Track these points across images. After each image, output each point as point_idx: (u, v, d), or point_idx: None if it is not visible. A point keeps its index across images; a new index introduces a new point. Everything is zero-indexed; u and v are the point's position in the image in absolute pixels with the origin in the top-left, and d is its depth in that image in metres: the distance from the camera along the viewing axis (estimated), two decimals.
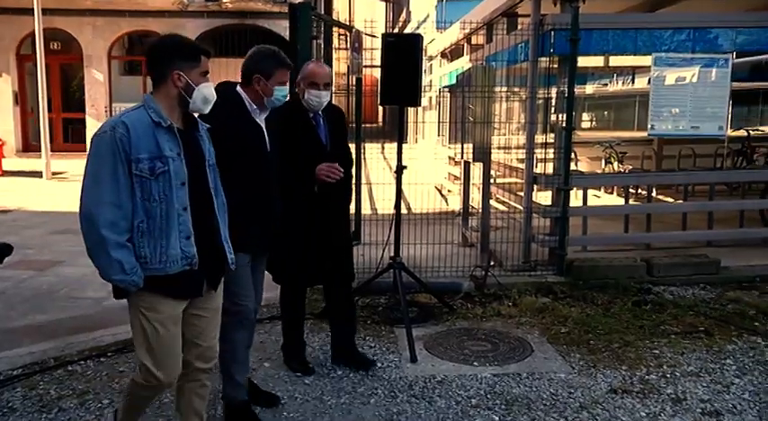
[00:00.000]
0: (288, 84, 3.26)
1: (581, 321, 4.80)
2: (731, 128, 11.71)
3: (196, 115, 2.64)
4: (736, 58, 11.62)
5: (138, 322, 2.57)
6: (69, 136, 18.55)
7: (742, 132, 10.68)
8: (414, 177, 7.10)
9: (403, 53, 4.59)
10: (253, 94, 3.21)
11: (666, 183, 8.65)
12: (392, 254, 4.85)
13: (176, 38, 2.60)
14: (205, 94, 2.54)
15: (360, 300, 5.16)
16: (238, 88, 3.24)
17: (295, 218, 3.60)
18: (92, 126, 17.96)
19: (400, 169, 4.75)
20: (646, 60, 6.10)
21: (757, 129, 11.80)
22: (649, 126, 5.97)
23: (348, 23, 6.57)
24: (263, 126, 3.25)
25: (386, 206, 4.98)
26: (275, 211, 3.33)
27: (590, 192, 8.93)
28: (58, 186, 12.92)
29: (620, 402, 3.63)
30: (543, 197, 6.31)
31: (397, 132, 4.94)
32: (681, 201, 7.64)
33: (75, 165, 15.55)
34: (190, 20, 16.21)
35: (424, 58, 12.53)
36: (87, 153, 2.44)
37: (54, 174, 14.00)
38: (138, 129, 2.41)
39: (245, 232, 3.04)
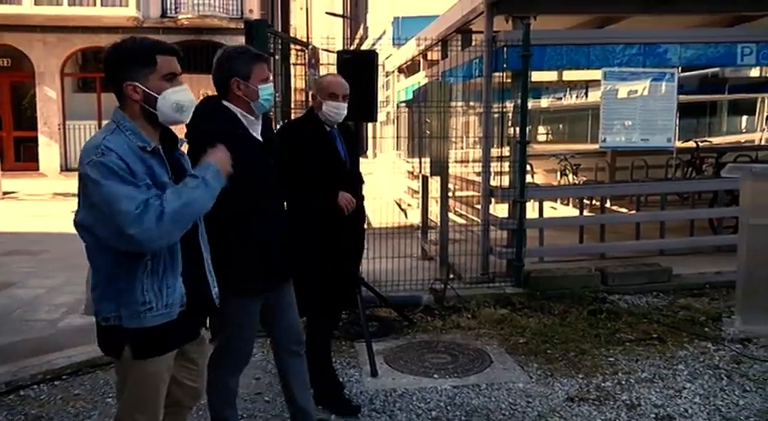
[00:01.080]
0: (271, 81, 2.82)
1: (539, 331, 4.88)
2: (681, 139, 12.10)
3: (178, 132, 2.32)
4: (685, 72, 12.06)
5: (132, 379, 2.22)
6: (21, 154, 18.14)
7: (691, 143, 11.04)
8: (373, 191, 7.15)
9: (359, 70, 4.63)
10: (239, 103, 2.73)
11: (619, 194, 8.86)
12: None
13: (127, 42, 2.18)
14: (175, 101, 2.11)
15: None
16: (224, 102, 2.76)
17: (316, 240, 3.30)
18: (44, 144, 17.61)
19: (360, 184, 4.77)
20: (599, 74, 6.29)
21: (705, 141, 12.21)
22: (601, 139, 6.14)
23: (306, 40, 6.61)
24: (262, 141, 2.82)
25: None
26: (285, 239, 2.92)
27: (547, 203, 9.10)
28: (9, 206, 12.59)
29: (576, 410, 3.69)
30: (501, 209, 6.40)
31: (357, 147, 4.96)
32: (634, 212, 7.85)
33: (27, 185, 15.19)
34: (145, 36, 16.04)
35: (381, 73, 12.65)
36: (85, 185, 2.03)
37: (5, 193, 13.64)
38: (128, 155, 2.02)
39: (251, 272, 2.73)
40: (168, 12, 17.20)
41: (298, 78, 7.95)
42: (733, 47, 6.20)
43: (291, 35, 29.01)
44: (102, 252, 2.09)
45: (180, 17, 16.82)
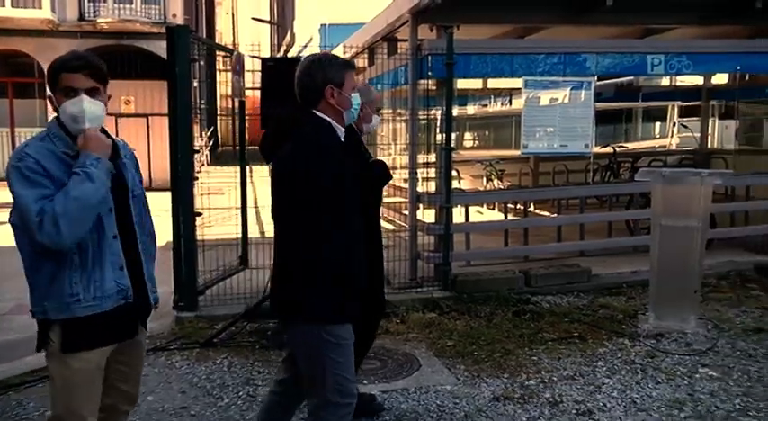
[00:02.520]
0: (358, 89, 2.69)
1: (466, 333, 4.98)
2: (599, 145, 12.60)
3: (121, 142, 2.44)
4: (603, 80, 12.57)
5: (60, 373, 2.29)
6: None
7: (609, 149, 11.52)
8: None
9: (283, 77, 4.61)
10: (330, 112, 2.54)
11: (542, 198, 9.15)
12: None
13: (62, 56, 2.28)
14: (70, 113, 2.21)
15: (248, 326, 5.10)
16: (315, 112, 2.54)
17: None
18: None
19: None
20: (521, 82, 6.50)
21: (622, 146, 12.76)
22: (523, 145, 6.33)
23: (232, 46, 6.52)
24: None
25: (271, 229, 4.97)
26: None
27: (473, 208, 9.30)
28: None
29: (502, 409, 3.79)
30: (428, 215, 6.50)
31: None
32: (555, 215, 8.11)
33: None
34: (62, 40, 15.39)
35: None
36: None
37: None
38: (49, 159, 2.16)
39: (351, 292, 2.50)
40: (86, 15, 16.58)
41: (223, 85, 7.86)
42: (644, 57, 6.52)
43: (217, 41, 28.57)
44: (31, 249, 2.20)
45: (99, 21, 16.25)
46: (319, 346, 2.46)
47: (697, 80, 12.58)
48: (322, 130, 2.51)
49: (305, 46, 14.70)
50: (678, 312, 4.99)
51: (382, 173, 3.47)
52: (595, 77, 6.62)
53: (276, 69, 4.68)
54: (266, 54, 7.44)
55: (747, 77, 10.40)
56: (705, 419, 3.65)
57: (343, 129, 2.61)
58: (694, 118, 13.52)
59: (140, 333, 2.51)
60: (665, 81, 16.06)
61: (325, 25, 13.16)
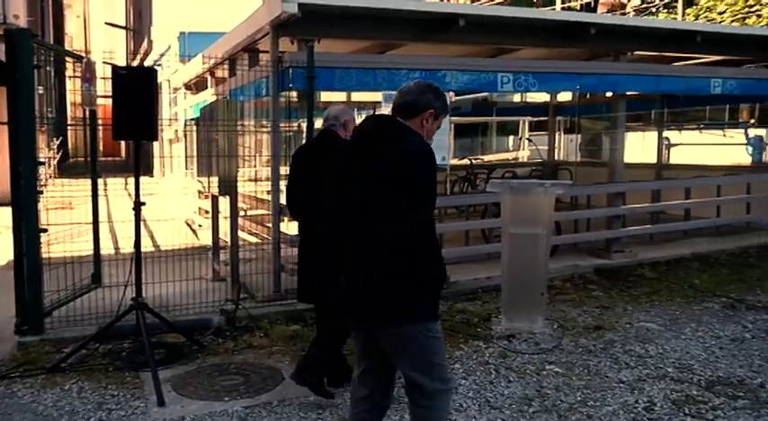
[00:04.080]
0: None
1: None
2: (457, 157, 13.19)
3: None
4: (460, 95, 13.15)
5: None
6: None
7: (466, 161, 12.09)
8: (162, 212, 6.87)
9: (137, 86, 4.46)
10: (418, 130, 2.74)
11: None
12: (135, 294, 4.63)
13: None
14: None
15: (100, 347, 4.83)
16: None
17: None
18: None
19: (138, 205, 4.59)
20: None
21: (478, 158, 13.45)
22: None
23: (84, 52, 6.14)
24: None
25: (130, 244, 4.77)
26: None
27: None
28: None
29: None
30: (294, 227, 6.48)
31: (142, 166, 4.77)
32: None
33: None
34: None
35: (167, 90, 12.17)
36: None
37: None
38: None
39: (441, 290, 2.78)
40: None
41: (72, 93, 7.41)
42: (496, 75, 6.95)
43: (67, 46, 26.82)
44: None
45: None
46: (425, 343, 2.67)
47: (545, 97, 13.55)
48: (424, 140, 2.72)
49: (162, 54, 14.18)
50: (527, 314, 5.33)
51: None
52: (451, 93, 6.96)
53: (129, 79, 4.51)
54: (122, 61, 7.12)
55: (588, 95, 11.36)
56: (551, 413, 3.92)
57: None
58: (543, 132, 14.51)
59: None
60: (517, 97, 17.14)
61: (184, 33, 12.76)
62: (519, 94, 15.86)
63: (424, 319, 2.67)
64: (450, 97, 10.78)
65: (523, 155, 15.52)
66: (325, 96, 11.77)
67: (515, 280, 5.23)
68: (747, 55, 8.96)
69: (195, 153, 7.54)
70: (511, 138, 18.22)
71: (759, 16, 21.90)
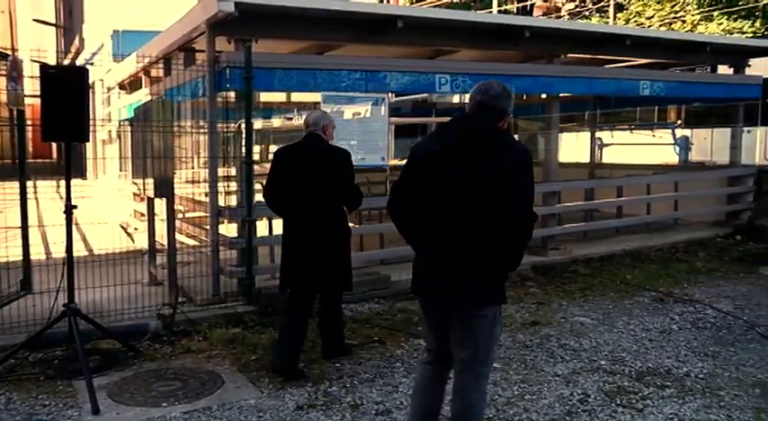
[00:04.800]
0: None
1: (270, 346, 4.97)
2: (398, 158, 13.26)
3: None
4: (402, 97, 13.23)
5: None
6: None
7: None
8: (96, 216, 6.67)
9: (67, 86, 4.33)
10: None
11: None
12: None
13: None
14: None
15: (30, 356, 4.66)
16: None
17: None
18: None
19: (70, 208, 4.45)
20: None
21: None
22: None
23: (10, 49, 5.88)
24: None
25: (62, 249, 4.62)
26: None
27: (279, 221, 9.30)
28: None
29: (305, 417, 3.86)
30: (233, 229, 6.41)
31: (74, 168, 4.62)
32: (357, 225, 8.39)
33: None
34: None
35: (100, 89, 11.82)
36: None
37: None
38: None
39: None
40: None
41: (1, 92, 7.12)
42: (434, 76, 7.03)
43: None
44: None
45: None
46: (494, 325, 2.99)
47: None
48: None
49: (95, 53, 13.74)
50: None
51: None
52: (389, 94, 7.01)
53: (58, 78, 4.36)
54: (52, 60, 6.87)
55: (524, 97, 11.60)
56: (489, 407, 3.99)
57: None
58: None
59: None
60: (456, 98, 17.34)
61: (118, 31, 12.41)
62: (458, 95, 16.07)
63: (503, 302, 3.07)
64: (390, 98, 10.86)
65: None
66: (266, 96, 11.70)
67: None
68: (673, 58, 9.36)
69: (130, 154, 7.36)
70: None
71: (683, 22, 22.87)
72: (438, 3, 27.22)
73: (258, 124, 13.06)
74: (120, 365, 4.67)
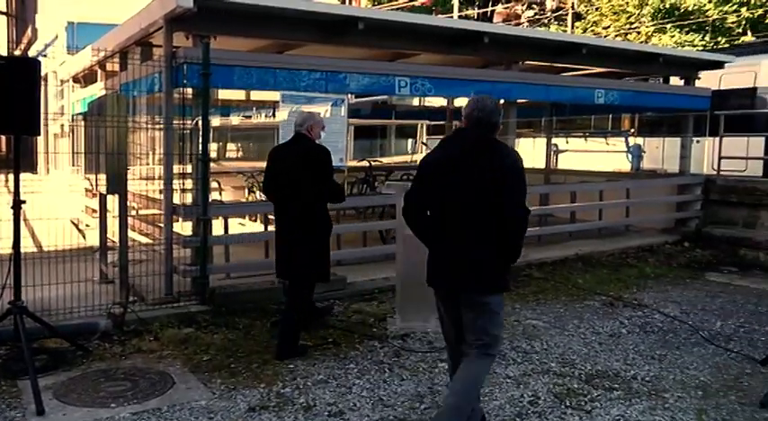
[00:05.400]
0: None
1: (223, 347, 4.93)
2: (357, 159, 13.28)
3: None
4: (362, 98, 13.23)
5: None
6: None
7: (365, 163, 12.19)
8: (46, 211, 6.48)
9: (17, 78, 4.21)
10: None
11: None
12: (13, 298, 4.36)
13: None
14: None
15: None
16: None
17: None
18: None
19: (18, 203, 4.33)
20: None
21: (377, 160, 13.59)
22: None
23: None
24: None
25: (9, 245, 4.48)
26: None
27: (235, 220, 9.22)
28: None
29: (257, 419, 3.83)
30: (188, 227, 6.31)
31: (24, 162, 4.49)
32: None
33: None
34: None
35: (55, 82, 11.50)
36: None
37: None
38: None
39: None
40: None
41: None
42: (394, 79, 7.06)
43: None
44: None
45: None
46: (500, 307, 3.48)
47: (442, 102, 13.89)
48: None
49: (49, 44, 13.37)
50: (421, 313, 5.44)
51: None
52: (349, 95, 7.00)
53: (8, 69, 4.23)
54: (3, 50, 6.67)
55: None
56: (438, 409, 4.03)
57: None
58: (441, 136, 14.85)
59: None
60: (416, 101, 17.46)
61: (72, 23, 12.10)
62: (417, 98, 16.18)
63: (509, 290, 3.59)
64: (350, 99, 10.85)
65: (421, 158, 15.85)
66: (225, 94, 11.56)
67: (409, 280, 5.33)
68: (627, 68, 9.60)
69: (83, 149, 7.19)
70: (410, 141, 18.53)
71: (638, 33, 23.47)
72: (400, 6, 27.34)
73: (216, 121, 12.93)
74: (67, 365, 4.56)
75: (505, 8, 31.43)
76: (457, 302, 3.45)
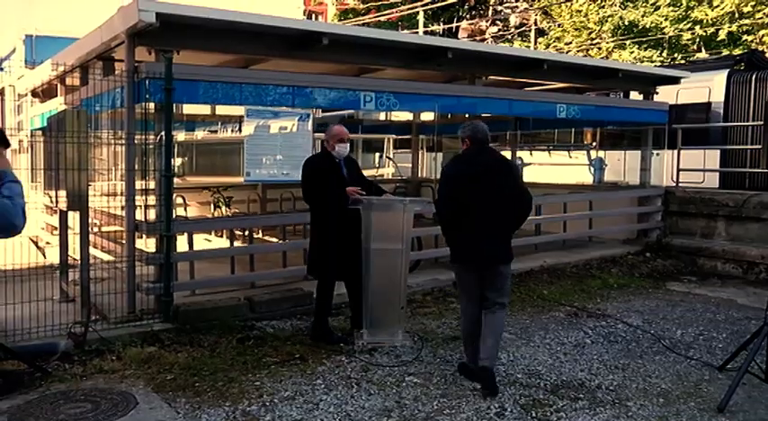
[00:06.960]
0: None
1: (187, 365, 4.85)
2: None
3: None
4: (329, 113, 13.22)
5: None
6: None
7: None
8: None
9: None
10: None
11: (266, 224, 9.32)
12: None
13: None
14: None
15: None
16: None
17: (332, 228, 5.45)
18: None
19: None
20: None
21: None
22: (245, 172, 6.41)
23: None
24: None
25: None
26: None
27: (202, 236, 9.12)
28: None
29: None
30: (152, 244, 6.22)
31: None
32: (281, 241, 8.31)
33: None
34: None
35: (13, 96, 11.26)
36: None
37: None
38: None
39: None
40: None
41: None
42: (359, 93, 7.08)
43: None
44: None
45: None
46: (509, 273, 4.88)
47: (408, 116, 13.97)
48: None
49: (6, 57, 13.11)
50: (389, 328, 5.45)
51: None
52: (314, 110, 7.00)
53: None
54: None
55: (449, 116, 11.85)
56: None
57: None
58: (407, 150, 14.93)
59: None
60: (383, 116, 17.53)
61: (31, 36, 11.90)
62: (384, 112, 16.25)
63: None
64: (317, 114, 10.85)
65: (388, 172, 15.86)
66: (189, 108, 11.46)
67: (377, 294, 5.33)
68: (588, 83, 9.80)
69: (42, 165, 7.04)
70: (377, 155, 18.56)
71: (599, 49, 24.01)
72: (366, 21, 27.52)
73: (182, 136, 12.79)
74: (25, 388, 4.43)
75: (470, 24, 31.89)
76: (480, 274, 4.70)
